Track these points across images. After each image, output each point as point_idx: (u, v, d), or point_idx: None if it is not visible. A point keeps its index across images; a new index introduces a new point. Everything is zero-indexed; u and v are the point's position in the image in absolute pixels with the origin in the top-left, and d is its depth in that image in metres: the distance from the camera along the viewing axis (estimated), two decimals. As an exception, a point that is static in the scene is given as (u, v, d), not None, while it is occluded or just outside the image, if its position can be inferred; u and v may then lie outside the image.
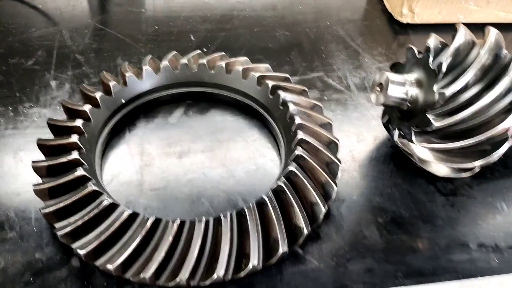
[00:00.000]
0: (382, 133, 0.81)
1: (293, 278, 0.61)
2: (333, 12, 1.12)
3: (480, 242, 0.67)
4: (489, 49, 0.64)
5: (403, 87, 0.66)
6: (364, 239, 0.66)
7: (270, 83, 0.78)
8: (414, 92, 0.66)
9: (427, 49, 0.66)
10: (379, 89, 0.68)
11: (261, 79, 0.80)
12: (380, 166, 0.76)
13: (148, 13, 1.09)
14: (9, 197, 0.69)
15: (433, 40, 0.66)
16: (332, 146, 0.73)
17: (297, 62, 0.96)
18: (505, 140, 0.64)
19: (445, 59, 0.63)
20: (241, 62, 0.85)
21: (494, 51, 0.64)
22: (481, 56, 0.63)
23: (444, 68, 0.63)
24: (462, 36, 0.66)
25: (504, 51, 0.65)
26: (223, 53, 0.87)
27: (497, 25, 0.69)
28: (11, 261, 0.61)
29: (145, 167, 0.74)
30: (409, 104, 0.67)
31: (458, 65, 0.64)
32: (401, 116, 0.70)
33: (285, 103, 0.75)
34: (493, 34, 0.65)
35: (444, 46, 0.67)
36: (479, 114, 0.63)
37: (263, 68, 0.85)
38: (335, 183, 0.67)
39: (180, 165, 0.74)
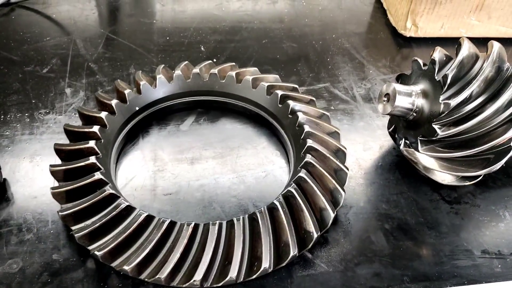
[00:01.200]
0: (388, 142, 0.83)
1: (303, 281, 0.63)
2: (338, 25, 1.16)
3: (483, 249, 0.69)
4: (492, 62, 0.66)
5: (410, 97, 0.69)
6: (371, 245, 0.68)
7: (279, 93, 0.81)
8: (420, 102, 0.69)
9: (433, 61, 0.68)
10: (386, 99, 0.71)
11: (270, 89, 0.83)
12: (386, 174, 0.78)
13: (159, 24, 1.12)
14: (26, 200, 0.71)
15: (438, 53, 0.69)
16: (340, 154, 0.75)
17: (304, 73, 0.99)
18: (508, 149, 0.66)
19: (450, 71, 0.66)
20: (250, 72, 0.88)
21: (497, 64, 0.67)
22: (485, 69, 0.66)
23: (449, 80, 0.65)
24: (466, 49, 0.68)
25: (507, 64, 0.68)
26: (234, 63, 0.90)
27: (497, 40, 0.72)
28: (29, 262, 0.63)
29: (158, 172, 0.76)
30: (415, 114, 0.70)
31: (462, 77, 0.67)
32: (407, 126, 0.73)
33: (294, 112, 0.78)
34: (496, 47, 0.68)
35: (448, 59, 0.70)
36: (482, 124, 0.65)
37: (272, 78, 0.87)
38: (343, 190, 0.69)
39: (192, 171, 0.76)
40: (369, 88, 0.96)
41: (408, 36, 1.10)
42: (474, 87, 0.65)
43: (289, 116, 0.78)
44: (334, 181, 0.69)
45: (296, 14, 1.19)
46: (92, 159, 0.67)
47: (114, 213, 0.62)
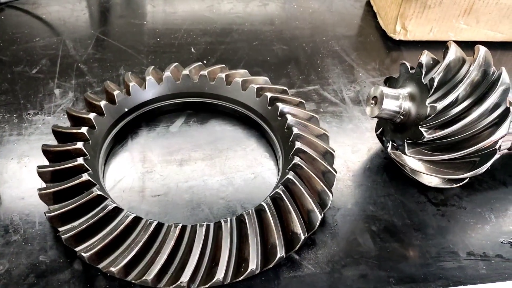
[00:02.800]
0: (376, 144, 0.84)
1: (290, 282, 0.63)
2: (328, 28, 1.16)
3: (469, 251, 0.69)
4: (478, 66, 0.67)
5: (397, 100, 0.69)
6: (358, 246, 0.69)
7: (269, 95, 0.81)
8: (407, 105, 0.70)
9: (420, 65, 0.69)
10: (373, 102, 0.71)
11: (259, 91, 0.83)
12: (374, 176, 0.79)
13: (150, 25, 1.12)
14: (13, 201, 0.70)
15: (425, 57, 0.70)
16: (328, 156, 0.75)
17: (294, 75, 1.00)
18: (493, 152, 0.67)
19: (437, 75, 0.66)
20: (240, 74, 0.88)
21: (483, 68, 0.68)
22: (471, 72, 0.66)
23: (435, 83, 0.66)
24: (453, 53, 0.69)
25: (493, 68, 0.69)
26: (223, 65, 0.90)
27: (485, 43, 0.73)
28: (15, 263, 0.63)
29: (147, 174, 0.76)
30: (402, 117, 0.70)
31: (449, 81, 0.68)
32: (394, 129, 0.73)
33: (283, 114, 0.78)
34: (482, 52, 0.68)
35: (435, 63, 0.71)
36: (468, 127, 0.66)
37: (262, 80, 0.88)
38: (331, 192, 0.70)
39: (180, 173, 0.77)
40: (358, 91, 0.97)
41: (397, 39, 1.11)
42: (460, 91, 0.65)
43: (278, 118, 0.79)
44: (322, 183, 0.69)
45: (286, 17, 1.19)
46: (80, 160, 0.67)
47: (101, 214, 0.62)
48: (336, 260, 0.67)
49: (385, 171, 0.80)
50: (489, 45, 1.10)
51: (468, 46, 0.73)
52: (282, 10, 1.22)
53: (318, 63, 1.04)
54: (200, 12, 1.18)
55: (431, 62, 0.70)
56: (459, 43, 0.73)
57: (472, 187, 0.79)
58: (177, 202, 0.72)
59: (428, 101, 0.66)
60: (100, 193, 0.63)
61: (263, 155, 0.81)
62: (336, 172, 0.72)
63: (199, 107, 0.87)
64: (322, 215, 0.68)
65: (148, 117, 0.84)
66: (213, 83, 0.85)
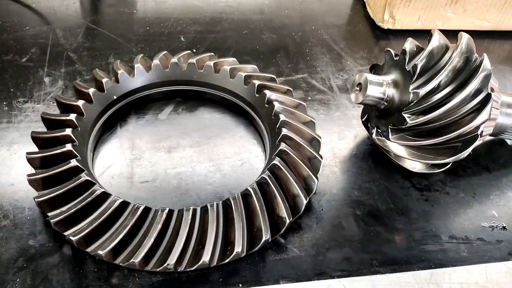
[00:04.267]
0: (362, 131, 0.85)
1: (275, 265, 0.65)
2: (318, 17, 1.17)
3: (451, 234, 0.71)
4: (461, 52, 0.68)
5: (381, 87, 0.71)
6: (342, 230, 0.70)
7: (256, 83, 0.82)
8: (391, 92, 0.71)
9: (404, 52, 0.70)
10: (358, 89, 0.72)
11: (247, 79, 0.84)
12: (360, 162, 0.80)
13: (140, 14, 1.12)
14: (3, 187, 0.71)
15: (409, 44, 0.71)
16: (315, 142, 0.77)
17: (283, 63, 1.01)
18: (475, 137, 0.68)
19: (420, 61, 0.67)
20: (229, 63, 0.89)
21: (465, 54, 0.69)
22: (453, 59, 0.67)
23: (418, 69, 0.67)
24: (436, 40, 0.70)
25: (475, 55, 0.70)
26: (212, 53, 0.91)
27: (473, 32, 0.74)
28: (5, 248, 0.64)
29: (135, 160, 0.77)
30: (386, 103, 0.71)
31: (431, 67, 0.69)
32: (379, 115, 0.75)
33: (270, 102, 0.79)
34: (464, 39, 0.70)
35: (419, 50, 0.72)
36: (450, 113, 0.67)
37: (250, 68, 0.88)
38: (316, 177, 0.71)
39: (169, 159, 0.78)
40: (346, 79, 0.98)
41: (386, 28, 1.12)
42: (442, 77, 0.67)
43: (266, 105, 0.80)
44: (307, 169, 0.71)
45: (276, 6, 1.20)
46: (68, 147, 0.68)
47: (89, 199, 0.63)
48: (321, 243, 0.68)
49: (370, 157, 0.81)
50: (477, 33, 1.12)
51: (455, 35, 0.74)
52: (272, -1, 1.23)
53: (307, 52, 1.05)
54: (190, 1, 1.19)
55: (415, 49, 0.71)
56: (447, 32, 0.74)
57: (456, 173, 0.80)
58: (165, 188, 0.73)
59: (411, 87, 0.67)
60: (88, 178, 0.64)
61: (251, 142, 0.82)
62: (322, 158, 0.74)
63: (188, 95, 0.88)
64: (308, 199, 0.69)
65: (137, 104, 0.85)
66: (202, 71, 0.86)
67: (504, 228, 0.73)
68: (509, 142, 0.87)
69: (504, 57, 1.10)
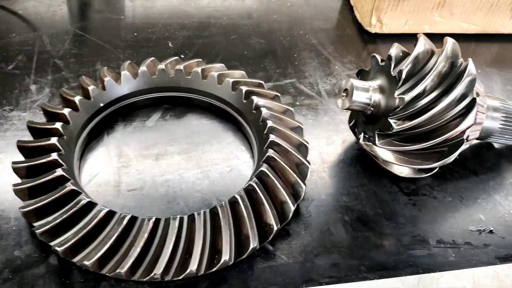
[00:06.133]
0: (350, 136, 0.85)
1: (264, 273, 0.65)
2: (306, 21, 1.17)
3: (439, 239, 0.71)
4: (446, 57, 0.69)
5: (367, 92, 0.71)
6: (331, 236, 0.70)
7: (244, 89, 0.82)
8: (377, 97, 0.71)
9: (389, 57, 0.70)
10: (344, 95, 0.73)
11: (235, 85, 0.84)
12: (348, 167, 0.81)
13: (128, 20, 1.12)
14: (-12, 197, 0.71)
15: (395, 49, 0.71)
16: (302, 148, 0.77)
17: (271, 68, 1.01)
18: (461, 142, 0.68)
19: (405, 67, 0.68)
20: (216, 68, 0.89)
21: (450, 59, 0.69)
22: (438, 64, 0.68)
23: (404, 75, 0.67)
24: (422, 45, 0.70)
25: (460, 60, 0.70)
26: (200, 59, 0.90)
27: (460, 35, 0.74)
28: (-10, 259, 0.63)
29: (123, 168, 0.76)
30: (372, 109, 0.72)
31: (417, 72, 0.69)
32: (366, 120, 0.75)
33: (258, 108, 0.79)
34: (450, 43, 0.70)
35: (405, 55, 0.72)
36: (436, 118, 0.68)
37: (238, 74, 0.88)
38: (304, 183, 0.71)
39: (156, 167, 0.77)
40: (334, 84, 0.98)
41: (373, 32, 1.12)
42: (427, 82, 0.67)
43: (253, 111, 0.80)
44: (295, 175, 0.71)
45: (264, 10, 1.20)
46: (54, 156, 0.67)
47: (75, 209, 0.62)
48: (309, 250, 0.68)
49: (359, 162, 0.81)
50: (464, 37, 1.13)
51: (443, 38, 0.74)
52: (260, 4, 1.23)
53: (295, 57, 1.05)
54: (178, 6, 1.18)
55: (401, 54, 0.71)
56: (434, 36, 0.74)
57: (443, 177, 0.81)
58: (152, 196, 0.73)
59: (396, 92, 0.67)
60: (74, 187, 0.64)
61: (239, 148, 0.82)
62: (309, 164, 0.74)
63: (175, 101, 0.88)
64: (296, 206, 0.69)
65: (124, 112, 0.85)
66: (189, 77, 0.86)
67: (491, 231, 0.73)
68: (496, 145, 0.88)
69: (491, 59, 1.11)
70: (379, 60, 0.73)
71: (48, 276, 0.62)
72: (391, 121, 0.68)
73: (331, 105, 0.92)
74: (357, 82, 0.71)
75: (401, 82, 0.67)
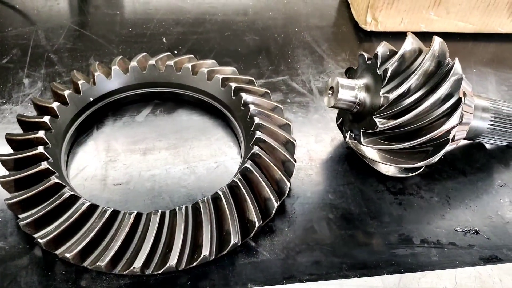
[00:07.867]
0: (340, 134, 0.85)
1: (244, 269, 0.65)
2: (302, 19, 1.17)
3: (423, 238, 0.71)
4: (432, 56, 0.68)
5: (353, 91, 0.71)
6: (314, 234, 0.70)
7: (233, 85, 0.82)
8: (363, 96, 0.71)
9: (376, 56, 0.70)
10: (330, 93, 0.72)
11: (225, 81, 0.84)
12: (335, 165, 0.80)
13: (123, 15, 1.12)
14: (-24, 189, 0.71)
15: (382, 48, 0.71)
16: (289, 145, 0.77)
17: (264, 65, 1.01)
18: (446, 141, 0.68)
19: (391, 65, 0.67)
20: (207, 65, 0.89)
21: (437, 58, 0.69)
22: (424, 63, 0.67)
23: (389, 74, 0.67)
24: (409, 44, 0.70)
25: (448, 59, 0.70)
26: (192, 55, 0.91)
27: (457, 34, 0.73)
28: (-25, 250, 0.64)
29: (110, 162, 0.77)
30: (358, 107, 0.71)
31: (403, 71, 0.69)
32: (352, 119, 0.75)
33: (246, 104, 0.79)
34: (437, 42, 0.69)
35: (392, 54, 0.72)
36: (421, 117, 0.67)
37: (229, 70, 0.88)
38: (289, 181, 0.71)
39: (144, 161, 0.78)
40: (326, 82, 0.97)
41: (369, 30, 1.12)
42: (412, 81, 0.67)
43: (242, 108, 0.80)
44: (280, 172, 0.71)
45: (260, 7, 1.20)
46: (40, 149, 0.68)
47: (58, 202, 0.63)
48: (291, 247, 0.68)
49: (346, 161, 0.81)
50: (462, 36, 1.12)
51: (439, 37, 0.73)
52: (257, 0, 1.22)
53: (289, 54, 1.05)
54: (174, 2, 1.19)
55: (388, 53, 0.71)
56: (430, 34, 0.73)
57: (432, 177, 0.80)
58: (138, 190, 0.74)
59: (382, 91, 0.67)
60: (58, 181, 0.64)
61: (227, 144, 0.82)
62: (296, 161, 0.74)
63: (166, 97, 0.88)
64: (279, 203, 0.69)
65: (114, 107, 0.85)
66: (180, 73, 0.86)
67: (477, 232, 0.73)
68: (487, 146, 0.87)
69: (488, 59, 1.10)
70: (366, 58, 0.73)
71: (31, 268, 0.63)
72: (376, 119, 0.67)
73: (322, 103, 0.92)
74: (343, 80, 0.71)
75: (386, 80, 0.67)
